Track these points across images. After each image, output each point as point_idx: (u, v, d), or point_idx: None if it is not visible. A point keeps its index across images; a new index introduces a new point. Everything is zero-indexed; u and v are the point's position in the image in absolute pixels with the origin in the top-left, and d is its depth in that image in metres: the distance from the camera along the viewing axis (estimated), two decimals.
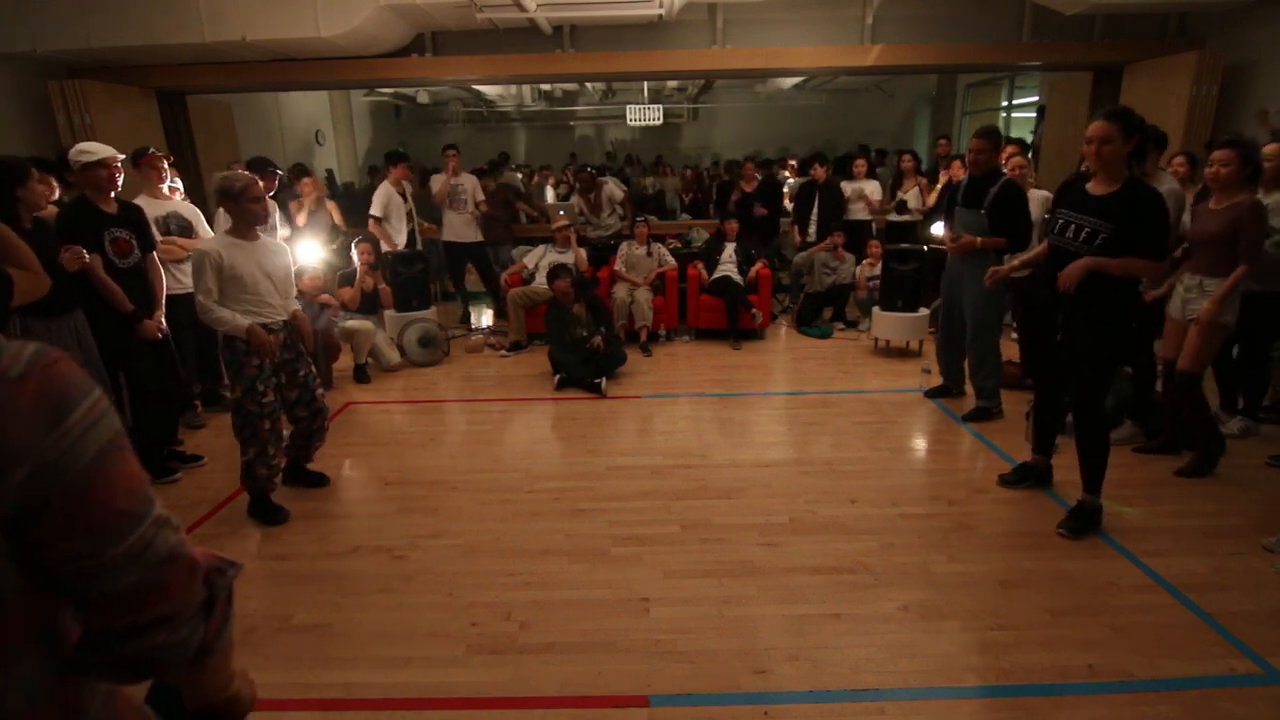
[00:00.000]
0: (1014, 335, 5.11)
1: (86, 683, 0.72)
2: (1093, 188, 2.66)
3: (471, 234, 6.34)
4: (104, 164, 3.21)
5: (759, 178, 7.11)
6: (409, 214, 6.04)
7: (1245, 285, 3.12)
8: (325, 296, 4.85)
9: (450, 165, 6.17)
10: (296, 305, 3.15)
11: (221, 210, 4.28)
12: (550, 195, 10.07)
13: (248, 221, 2.91)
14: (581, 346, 4.87)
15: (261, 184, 4.13)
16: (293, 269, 3.16)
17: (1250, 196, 3.04)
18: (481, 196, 6.35)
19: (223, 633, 0.77)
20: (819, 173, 6.45)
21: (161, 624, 0.69)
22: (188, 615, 0.72)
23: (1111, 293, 2.62)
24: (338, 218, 5.83)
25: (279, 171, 3.97)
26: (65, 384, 0.63)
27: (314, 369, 3.22)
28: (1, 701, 0.63)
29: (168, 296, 3.63)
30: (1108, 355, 2.70)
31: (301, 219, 5.46)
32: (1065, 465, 3.23)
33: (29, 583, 0.63)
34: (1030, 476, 3.21)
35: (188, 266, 4.02)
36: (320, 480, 3.38)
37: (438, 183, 6.25)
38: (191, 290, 4.00)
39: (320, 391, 3.24)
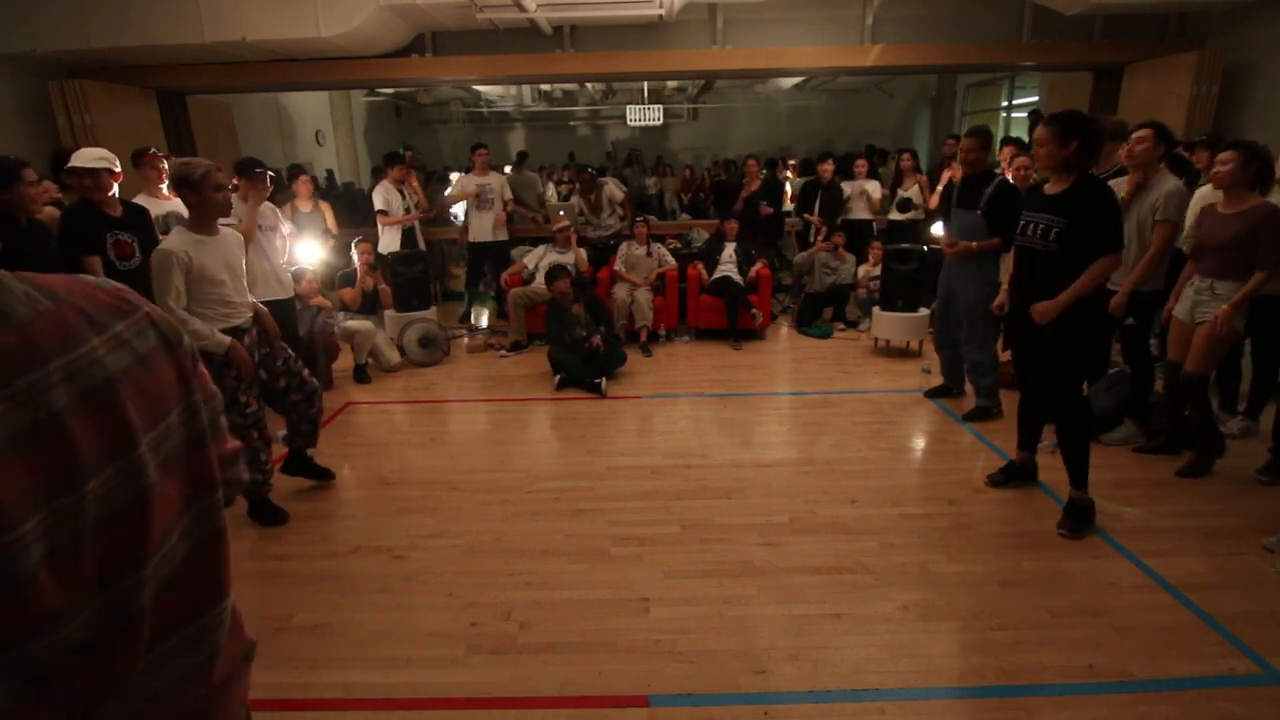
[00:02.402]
0: None
1: None
2: (1049, 188, 2.80)
3: (498, 234, 6.34)
4: (84, 173, 3.19)
5: (763, 176, 7.11)
6: (406, 211, 6.05)
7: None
8: (318, 299, 4.85)
9: (477, 164, 6.17)
10: (252, 299, 3.01)
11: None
12: (551, 195, 10.08)
13: (210, 213, 2.74)
14: (581, 346, 4.87)
15: (256, 183, 4.08)
16: (244, 261, 2.98)
17: (1266, 201, 3.02)
18: (510, 195, 6.35)
19: None
20: (825, 170, 6.47)
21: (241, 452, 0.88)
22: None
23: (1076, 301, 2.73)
24: (330, 220, 5.79)
25: (270, 172, 3.91)
26: None
27: (291, 352, 3.14)
28: (194, 528, 0.71)
29: None
30: (1075, 355, 2.79)
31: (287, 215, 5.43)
32: (1060, 466, 3.23)
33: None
34: (1017, 475, 3.23)
35: None
36: (325, 474, 3.35)
37: (463, 181, 6.25)
38: None
39: (307, 371, 3.16)
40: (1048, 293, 2.76)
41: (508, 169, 9.50)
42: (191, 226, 2.75)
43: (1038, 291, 2.80)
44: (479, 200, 6.20)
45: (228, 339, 2.77)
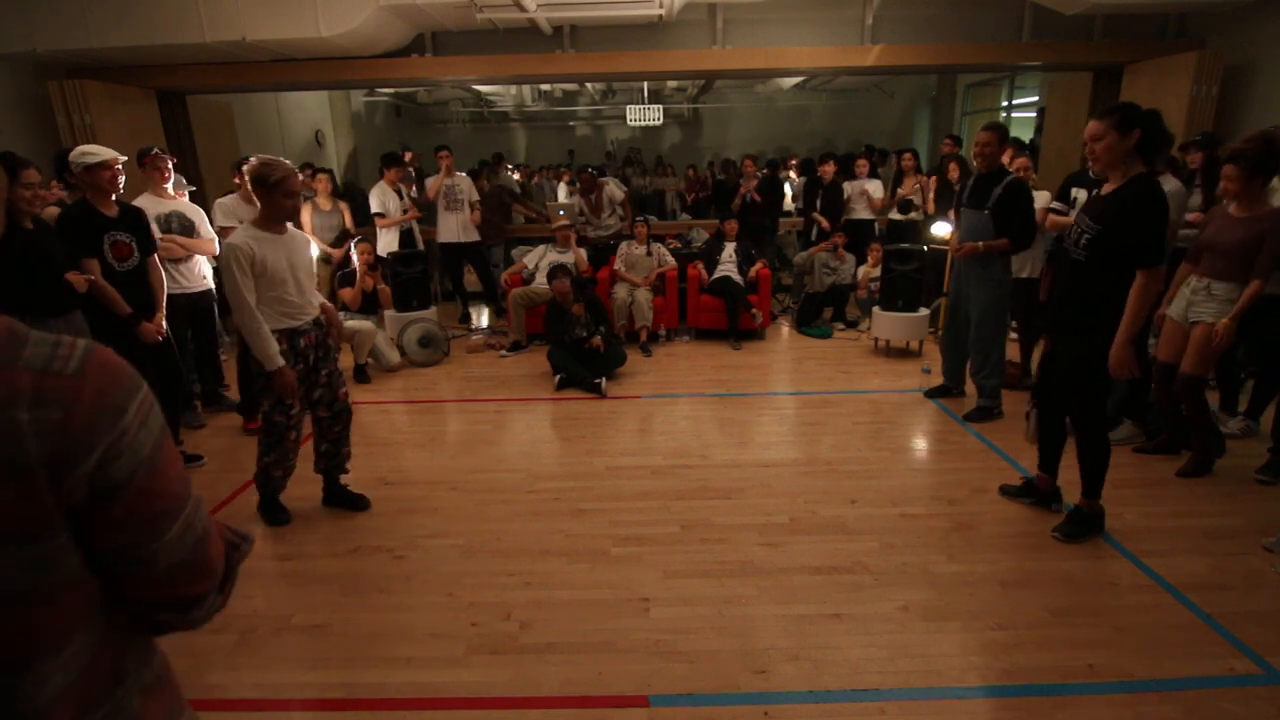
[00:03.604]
0: (1013, 335, 5.11)
1: (124, 647, 0.74)
2: (1104, 189, 2.58)
3: (467, 234, 6.34)
4: (106, 165, 3.20)
5: (760, 175, 7.12)
6: (404, 212, 6.07)
7: None
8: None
9: (443, 166, 6.19)
10: (320, 298, 2.99)
11: (218, 209, 4.35)
12: (563, 193, 10.06)
13: (276, 216, 2.71)
14: (581, 346, 4.87)
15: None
16: (314, 261, 2.95)
17: (1277, 209, 2.98)
18: (476, 197, 6.36)
19: (225, 603, 0.80)
20: (826, 170, 6.47)
21: (200, 600, 0.74)
22: (215, 588, 0.75)
23: (1104, 305, 2.52)
24: (349, 220, 5.85)
25: None
26: (121, 379, 0.66)
27: (339, 367, 3.08)
28: (45, 685, 0.64)
29: (168, 296, 3.62)
30: (1102, 364, 2.61)
31: (306, 217, 5.48)
32: (1065, 465, 3.23)
33: (86, 568, 0.65)
34: (1033, 493, 3.07)
35: (186, 266, 4.03)
36: (361, 503, 3.19)
37: (431, 183, 6.28)
38: (190, 290, 4.04)
39: (344, 391, 3.09)
40: (1070, 306, 2.57)
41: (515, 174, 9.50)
42: (257, 224, 2.72)
43: (1064, 303, 2.61)
44: (447, 201, 6.21)
45: (278, 363, 2.71)
